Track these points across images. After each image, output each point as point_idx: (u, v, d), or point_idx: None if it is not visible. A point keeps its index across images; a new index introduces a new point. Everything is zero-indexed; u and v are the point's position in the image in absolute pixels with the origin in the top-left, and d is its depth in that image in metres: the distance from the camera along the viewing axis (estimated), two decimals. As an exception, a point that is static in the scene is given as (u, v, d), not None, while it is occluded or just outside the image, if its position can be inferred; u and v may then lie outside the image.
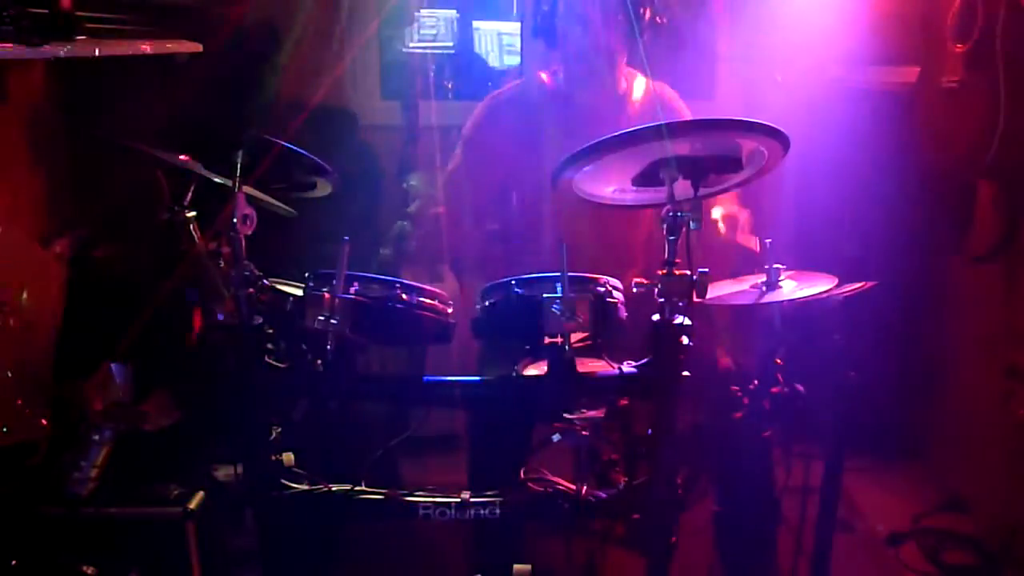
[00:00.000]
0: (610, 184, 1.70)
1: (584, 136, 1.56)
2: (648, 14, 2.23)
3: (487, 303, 1.68)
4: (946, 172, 2.73)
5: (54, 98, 2.41)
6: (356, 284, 1.60)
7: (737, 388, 1.87)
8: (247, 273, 1.57)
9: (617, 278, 1.69)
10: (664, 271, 1.55)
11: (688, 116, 2.34)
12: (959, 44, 2.41)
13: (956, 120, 2.50)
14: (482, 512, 1.64)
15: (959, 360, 2.98)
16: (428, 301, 1.66)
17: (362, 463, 1.73)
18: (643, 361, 1.63)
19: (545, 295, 1.57)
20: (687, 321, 1.57)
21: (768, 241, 1.91)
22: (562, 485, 1.66)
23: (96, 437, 1.73)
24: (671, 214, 1.54)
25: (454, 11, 3.76)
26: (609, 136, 1.52)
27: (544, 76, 2.39)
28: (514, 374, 1.78)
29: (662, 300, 1.55)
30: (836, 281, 1.88)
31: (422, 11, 3.70)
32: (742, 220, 2.27)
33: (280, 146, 1.64)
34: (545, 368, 1.63)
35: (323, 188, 1.83)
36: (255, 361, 1.61)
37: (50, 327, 2.02)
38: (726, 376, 2.06)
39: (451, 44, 3.78)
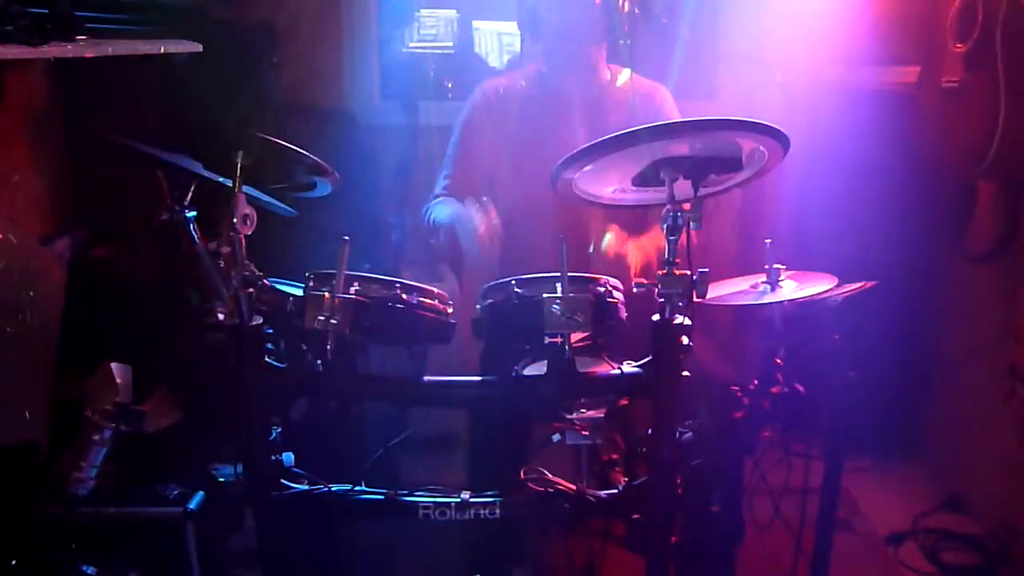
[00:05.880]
0: (610, 184, 1.70)
1: (567, 124, 1.54)
2: (626, 5, 2.24)
3: (487, 303, 1.68)
4: (946, 172, 2.73)
5: (54, 98, 2.41)
6: (356, 284, 1.60)
7: (737, 388, 1.87)
8: (247, 273, 1.56)
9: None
10: (664, 271, 1.55)
11: (677, 116, 2.33)
12: (959, 44, 2.41)
13: (956, 120, 2.50)
14: (482, 512, 1.64)
15: (959, 360, 2.98)
16: (428, 301, 1.65)
17: (362, 463, 1.73)
18: (643, 361, 1.63)
19: (545, 295, 1.57)
20: (687, 321, 1.57)
21: (768, 241, 1.91)
22: (562, 485, 1.66)
23: (96, 437, 1.72)
24: (671, 214, 1.54)
25: (454, 11, 3.76)
26: (609, 136, 1.52)
27: (532, 68, 2.40)
28: (514, 374, 1.78)
29: (662, 300, 1.55)
30: (836, 281, 1.88)
31: (422, 11, 3.71)
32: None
33: (280, 146, 1.64)
34: (545, 368, 1.63)
35: (323, 188, 1.83)
36: (255, 361, 1.60)
37: (50, 327, 2.02)
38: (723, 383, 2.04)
39: (451, 44, 3.78)
